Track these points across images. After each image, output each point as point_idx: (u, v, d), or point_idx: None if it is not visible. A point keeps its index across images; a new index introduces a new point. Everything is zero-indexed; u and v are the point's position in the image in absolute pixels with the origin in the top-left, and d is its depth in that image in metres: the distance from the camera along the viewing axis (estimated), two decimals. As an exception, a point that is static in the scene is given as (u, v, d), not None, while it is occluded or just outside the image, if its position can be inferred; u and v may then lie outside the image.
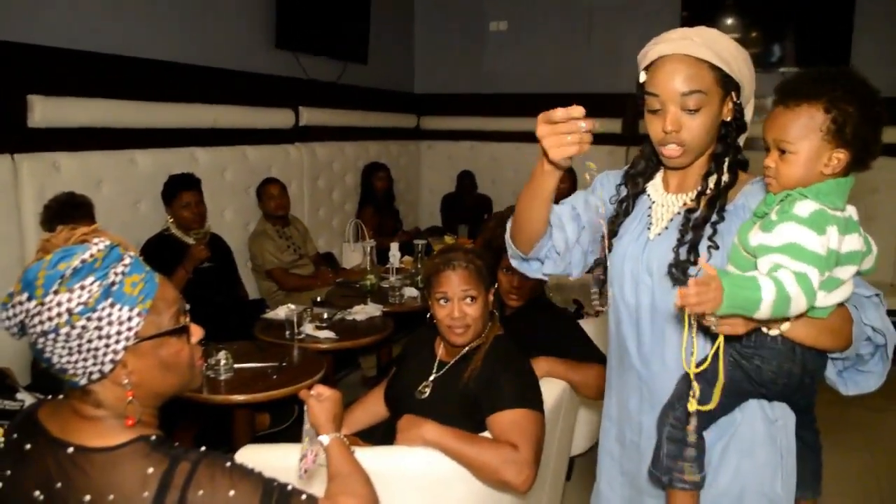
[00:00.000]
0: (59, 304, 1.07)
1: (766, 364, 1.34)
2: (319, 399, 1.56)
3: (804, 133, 1.26)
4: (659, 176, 1.60)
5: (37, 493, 1.11)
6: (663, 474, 1.43)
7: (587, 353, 2.40)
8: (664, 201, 1.54)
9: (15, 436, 1.17)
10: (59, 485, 1.10)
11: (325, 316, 3.48)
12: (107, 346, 1.10)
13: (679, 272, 1.43)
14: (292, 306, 3.40)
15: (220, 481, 1.10)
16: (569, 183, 5.53)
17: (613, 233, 1.59)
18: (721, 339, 1.30)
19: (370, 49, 5.89)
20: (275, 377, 2.76)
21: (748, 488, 1.47)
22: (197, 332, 1.25)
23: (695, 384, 1.33)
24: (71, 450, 1.11)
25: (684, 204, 1.51)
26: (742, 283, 1.20)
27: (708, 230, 1.44)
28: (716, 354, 1.32)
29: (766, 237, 1.26)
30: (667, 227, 1.51)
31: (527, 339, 2.26)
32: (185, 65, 4.13)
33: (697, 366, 1.33)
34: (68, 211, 3.02)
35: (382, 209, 5.80)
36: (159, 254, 3.59)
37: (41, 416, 1.18)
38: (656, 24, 5.86)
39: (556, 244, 1.63)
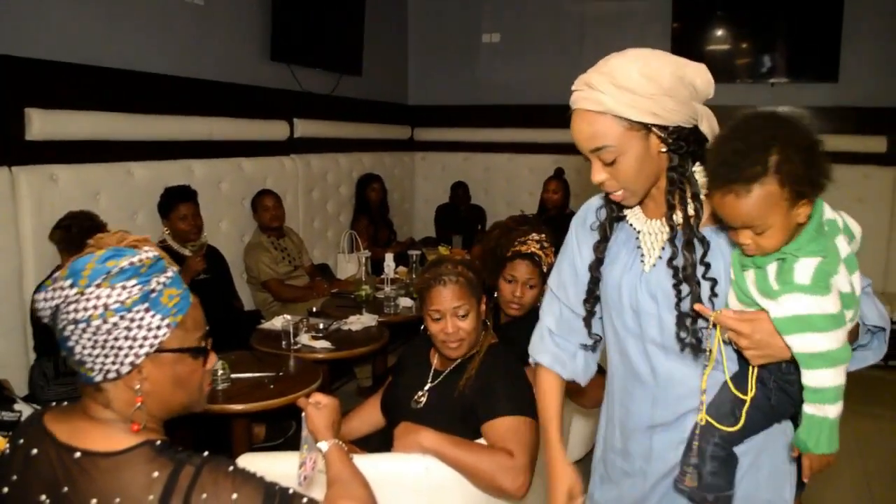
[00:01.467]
0: (97, 298, 1.11)
1: None
2: (318, 406, 1.58)
3: (769, 210, 1.20)
4: (637, 206, 1.52)
5: (43, 497, 1.13)
6: (709, 492, 1.41)
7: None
8: (650, 229, 1.48)
9: (21, 441, 1.19)
10: (65, 489, 1.11)
11: (321, 326, 3.50)
12: (130, 347, 1.13)
13: (690, 336, 1.38)
14: (288, 317, 3.42)
15: (223, 485, 1.12)
16: (561, 193, 5.59)
17: (600, 260, 1.55)
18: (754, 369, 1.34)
19: (364, 61, 5.93)
20: (272, 387, 2.78)
21: (760, 496, 1.48)
22: (212, 360, 1.29)
23: (743, 411, 1.36)
24: (78, 454, 1.13)
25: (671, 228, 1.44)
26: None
27: (700, 269, 1.37)
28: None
29: (772, 306, 1.24)
30: (660, 257, 1.45)
31: (522, 347, 2.29)
32: (181, 78, 4.16)
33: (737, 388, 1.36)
34: (88, 224, 3.03)
35: (377, 220, 5.83)
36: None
37: (47, 421, 1.20)
38: (647, 35, 5.98)
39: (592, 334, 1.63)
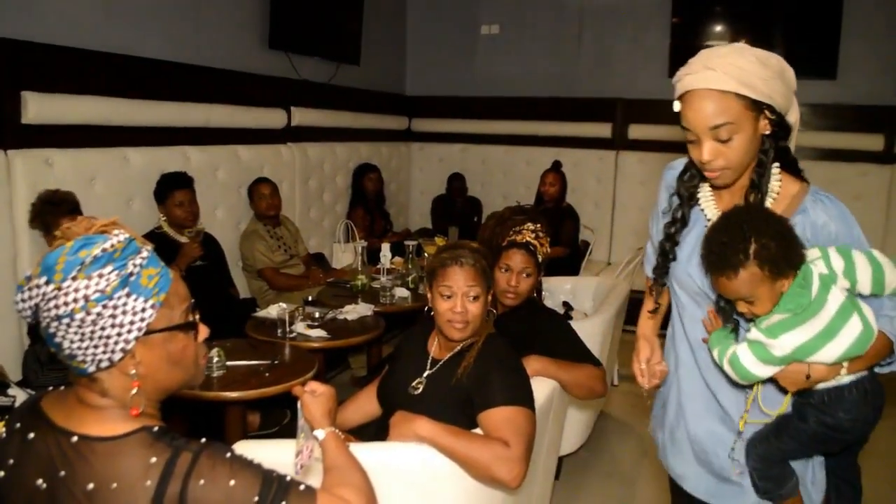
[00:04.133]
0: (76, 290, 1.09)
1: (847, 414, 1.53)
2: (314, 394, 1.58)
3: (755, 287, 1.45)
4: (710, 192, 1.67)
5: (39, 481, 1.12)
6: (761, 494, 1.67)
7: (578, 354, 2.44)
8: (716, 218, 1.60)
9: (18, 425, 1.18)
10: (62, 473, 1.11)
11: (317, 315, 3.49)
12: (119, 334, 1.12)
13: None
14: (284, 305, 3.41)
15: (221, 471, 1.12)
16: (558, 185, 5.58)
17: (675, 241, 1.70)
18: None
19: (362, 50, 5.92)
20: (267, 375, 2.77)
21: None
22: (203, 332, 1.28)
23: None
24: (75, 438, 1.12)
25: None
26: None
27: None
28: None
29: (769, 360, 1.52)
30: None
31: (519, 338, 2.29)
32: (178, 64, 4.14)
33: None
34: (50, 208, 3.03)
35: (373, 210, 5.82)
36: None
37: (45, 405, 1.19)
38: (647, 29, 5.98)
39: None
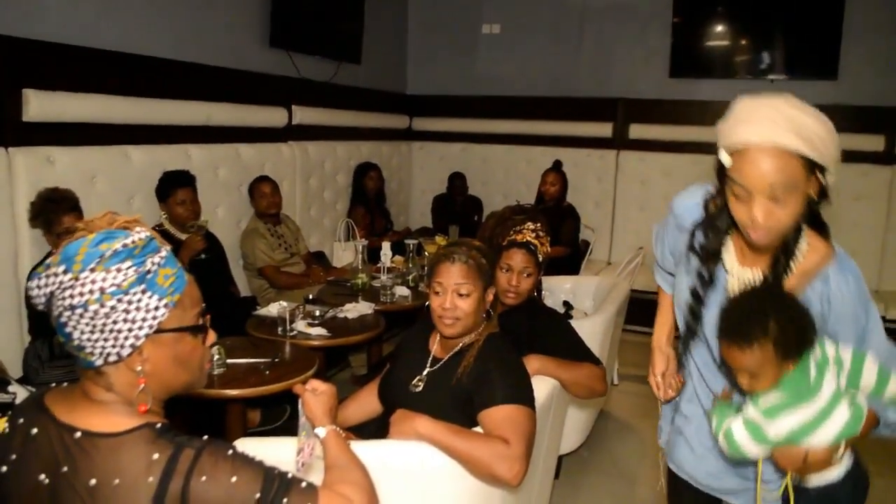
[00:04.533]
0: (93, 282, 1.10)
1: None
2: (315, 393, 1.59)
3: (763, 364, 1.46)
4: (731, 243, 1.61)
5: (42, 476, 1.13)
6: None
7: (579, 353, 2.44)
8: (740, 275, 1.58)
9: (21, 420, 1.19)
10: (65, 469, 1.11)
11: (317, 313, 3.49)
12: (129, 329, 1.13)
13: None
14: (284, 303, 3.42)
15: (223, 468, 1.12)
16: (559, 185, 5.58)
17: (703, 302, 1.66)
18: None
19: (363, 49, 5.92)
20: (267, 373, 2.78)
21: None
22: (211, 336, 1.29)
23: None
24: (78, 434, 1.12)
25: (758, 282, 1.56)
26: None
27: None
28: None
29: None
30: None
31: (519, 337, 2.29)
32: (180, 62, 4.15)
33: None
34: (51, 206, 3.03)
35: (373, 209, 5.83)
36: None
37: (49, 401, 1.19)
38: (647, 29, 5.98)
39: None
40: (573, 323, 2.75)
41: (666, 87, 6.03)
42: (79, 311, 1.10)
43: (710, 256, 1.62)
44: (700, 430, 1.79)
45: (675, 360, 1.88)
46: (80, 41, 3.52)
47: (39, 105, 3.28)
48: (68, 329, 1.12)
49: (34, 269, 1.13)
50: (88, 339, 1.12)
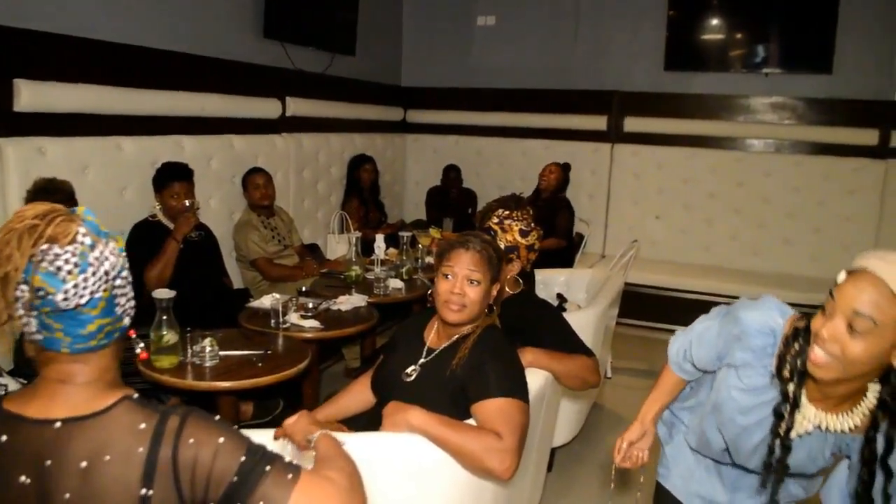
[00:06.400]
0: (114, 247, 1.18)
1: None
2: (293, 426, 1.69)
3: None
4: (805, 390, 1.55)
5: (23, 478, 1.12)
6: None
7: (572, 345, 2.44)
8: (805, 412, 1.53)
9: None
10: (48, 462, 1.10)
11: (310, 306, 3.48)
12: (131, 282, 1.22)
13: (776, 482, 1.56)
14: (277, 295, 3.40)
15: (210, 430, 1.14)
16: (557, 175, 5.60)
17: (787, 447, 1.57)
18: None
19: (358, 41, 5.89)
20: (260, 365, 2.76)
21: None
22: None
23: None
24: (58, 424, 1.12)
25: (819, 428, 1.54)
26: None
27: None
28: None
29: None
30: (809, 433, 1.56)
31: (511, 328, 2.29)
32: (173, 52, 4.12)
33: None
34: (46, 197, 3.00)
35: (367, 201, 5.81)
36: (146, 238, 3.60)
37: (9, 406, 1.16)
38: (643, 22, 5.98)
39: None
40: (567, 315, 2.75)
41: (661, 80, 6.02)
42: (123, 273, 1.18)
43: (794, 377, 1.52)
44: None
45: (651, 438, 1.91)
46: (73, 31, 3.49)
47: (31, 95, 3.26)
48: (117, 299, 1.17)
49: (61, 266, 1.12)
50: (128, 302, 1.20)
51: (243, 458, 1.13)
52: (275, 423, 3.24)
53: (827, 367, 1.39)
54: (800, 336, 1.50)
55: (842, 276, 1.39)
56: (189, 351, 2.73)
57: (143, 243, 3.61)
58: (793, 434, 1.55)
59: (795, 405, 1.52)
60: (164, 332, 2.65)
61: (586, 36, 6.29)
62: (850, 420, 1.50)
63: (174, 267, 3.58)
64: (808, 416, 1.53)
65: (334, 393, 2.43)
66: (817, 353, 1.39)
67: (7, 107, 3.21)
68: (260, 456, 1.16)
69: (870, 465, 1.47)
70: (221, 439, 1.13)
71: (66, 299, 1.09)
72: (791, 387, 1.51)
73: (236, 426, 1.23)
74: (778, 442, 1.55)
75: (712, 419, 1.73)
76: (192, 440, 1.11)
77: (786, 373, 1.52)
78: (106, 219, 3.56)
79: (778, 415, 1.55)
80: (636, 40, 6.10)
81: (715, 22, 5.90)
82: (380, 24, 6.46)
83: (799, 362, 1.49)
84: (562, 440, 3.26)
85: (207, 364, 2.71)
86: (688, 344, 1.84)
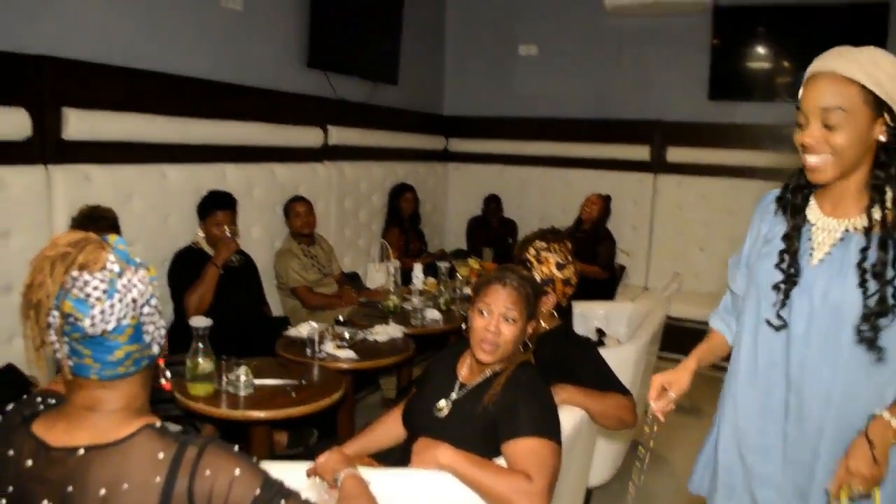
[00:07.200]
0: (143, 277, 1.18)
1: None
2: (323, 465, 1.66)
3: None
4: (813, 200, 1.63)
5: (45, 502, 1.13)
6: None
7: (608, 383, 2.38)
8: (824, 225, 1.58)
9: (11, 453, 1.18)
10: (69, 489, 1.12)
11: (346, 335, 3.47)
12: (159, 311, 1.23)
13: (870, 329, 1.47)
14: (314, 324, 3.40)
15: (227, 462, 1.15)
16: (599, 206, 5.55)
17: (794, 252, 1.60)
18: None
19: (401, 70, 5.94)
20: (294, 395, 2.76)
21: None
22: None
23: None
24: (81, 451, 1.13)
25: (847, 230, 1.54)
26: None
27: (890, 272, 1.46)
28: None
29: None
30: (829, 253, 1.55)
31: (548, 365, 2.24)
32: (217, 82, 4.20)
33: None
34: (90, 224, 3.07)
35: (408, 230, 5.82)
36: (188, 265, 3.65)
37: (37, 430, 1.19)
38: (686, 51, 5.91)
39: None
40: (606, 350, 2.69)
41: (705, 109, 5.94)
42: (152, 301, 1.19)
43: (799, 208, 1.62)
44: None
45: (685, 384, 1.80)
46: (121, 61, 3.58)
47: (79, 123, 3.34)
48: (146, 326, 1.18)
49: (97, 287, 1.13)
50: (155, 329, 1.21)
51: (258, 492, 1.14)
52: (309, 452, 3.24)
53: (824, 167, 1.49)
54: (795, 175, 1.63)
55: (801, 93, 1.51)
56: (224, 379, 2.73)
57: (184, 270, 3.66)
58: (816, 255, 1.57)
59: (804, 202, 1.61)
60: (200, 360, 2.67)
61: (629, 65, 6.25)
62: (863, 219, 1.52)
63: (214, 293, 3.61)
64: (828, 227, 1.57)
65: (369, 424, 2.41)
66: (810, 160, 1.50)
67: (56, 135, 3.29)
68: (276, 490, 1.16)
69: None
70: (238, 471, 1.14)
71: (93, 325, 1.10)
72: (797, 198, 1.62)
73: (254, 458, 1.22)
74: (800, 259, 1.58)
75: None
76: (208, 472, 1.12)
77: (788, 194, 1.64)
78: (149, 246, 3.61)
79: (791, 233, 1.60)
80: (679, 69, 6.03)
81: (761, 50, 5.81)
82: (422, 53, 6.52)
83: (800, 194, 1.62)
84: (599, 480, 3.17)
85: (242, 393, 2.71)
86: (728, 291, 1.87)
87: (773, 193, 1.72)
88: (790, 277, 1.58)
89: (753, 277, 1.69)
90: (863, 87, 1.42)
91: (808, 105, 1.47)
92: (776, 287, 1.60)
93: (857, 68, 1.43)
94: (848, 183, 1.53)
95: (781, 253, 1.60)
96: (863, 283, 1.47)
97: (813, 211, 1.61)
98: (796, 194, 1.63)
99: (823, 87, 1.46)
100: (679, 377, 1.79)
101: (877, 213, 1.49)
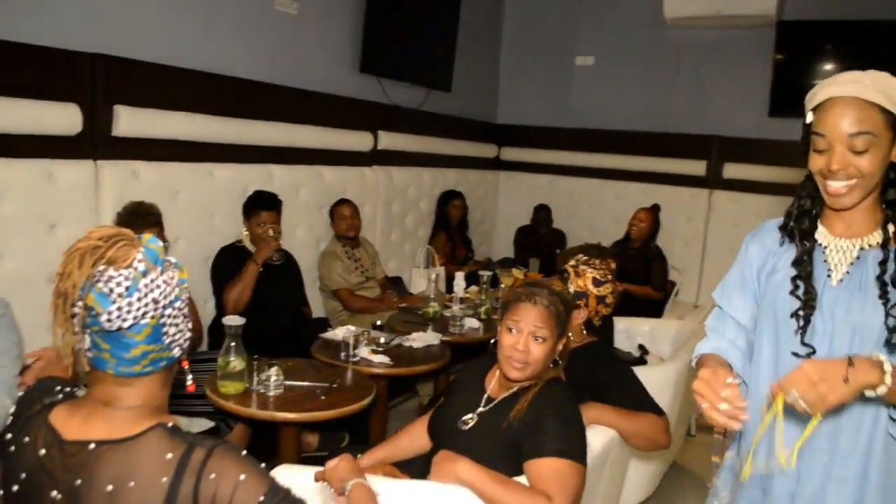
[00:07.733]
0: (171, 278, 1.18)
1: None
2: (332, 471, 1.64)
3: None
4: (820, 224, 1.61)
5: (54, 493, 1.15)
6: None
7: (641, 402, 2.30)
8: (837, 246, 1.56)
9: (27, 439, 1.20)
10: (78, 482, 1.13)
11: (382, 340, 3.45)
12: (186, 315, 1.23)
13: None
14: (351, 328, 3.39)
15: (233, 465, 1.14)
16: (648, 223, 5.41)
17: (808, 274, 1.57)
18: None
19: (455, 77, 5.92)
20: (323, 398, 2.74)
21: None
22: None
23: None
24: (92, 446, 1.15)
25: (862, 248, 1.53)
26: None
27: None
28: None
29: None
30: (847, 273, 1.53)
31: (578, 382, 2.18)
32: (268, 84, 4.23)
33: None
34: (135, 219, 3.11)
35: (455, 237, 5.79)
36: (230, 262, 3.67)
37: (54, 420, 1.20)
38: (747, 66, 5.76)
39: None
40: (646, 369, 2.61)
41: (765, 125, 5.75)
42: (177, 304, 1.19)
43: (803, 235, 1.59)
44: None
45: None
46: (173, 61, 3.63)
47: (129, 121, 3.39)
48: (166, 328, 1.18)
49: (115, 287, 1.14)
50: (177, 332, 1.20)
51: (262, 498, 1.13)
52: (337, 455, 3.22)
53: (849, 192, 1.46)
54: (805, 187, 1.60)
55: (810, 116, 1.49)
56: (255, 378, 2.73)
57: (226, 266, 3.69)
58: (835, 275, 1.54)
59: (812, 226, 1.58)
60: (232, 359, 2.67)
61: (687, 78, 6.11)
62: (878, 235, 1.52)
63: (253, 290, 3.63)
64: (842, 248, 1.55)
65: (400, 429, 2.38)
66: (834, 185, 1.46)
67: (107, 131, 3.35)
68: (281, 497, 1.15)
69: None
70: (243, 476, 1.13)
71: (109, 320, 1.12)
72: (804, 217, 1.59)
73: (265, 461, 1.20)
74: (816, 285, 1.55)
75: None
76: (213, 475, 1.12)
77: (792, 222, 1.60)
78: (193, 243, 3.64)
79: (802, 258, 1.56)
80: (739, 84, 5.86)
81: (827, 67, 5.59)
82: (477, 61, 6.49)
83: (808, 217, 1.59)
84: (634, 501, 3.08)
85: (272, 393, 2.71)
86: (715, 318, 1.81)
87: (773, 223, 1.70)
88: (807, 302, 1.54)
89: (767, 309, 1.63)
90: (882, 109, 1.42)
91: (833, 131, 1.44)
92: (795, 315, 1.56)
93: (874, 91, 1.42)
94: (861, 202, 1.52)
95: (794, 280, 1.57)
96: (884, 295, 1.46)
97: (822, 234, 1.59)
98: (802, 220, 1.61)
99: (847, 112, 1.42)
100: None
101: (891, 229, 1.50)
